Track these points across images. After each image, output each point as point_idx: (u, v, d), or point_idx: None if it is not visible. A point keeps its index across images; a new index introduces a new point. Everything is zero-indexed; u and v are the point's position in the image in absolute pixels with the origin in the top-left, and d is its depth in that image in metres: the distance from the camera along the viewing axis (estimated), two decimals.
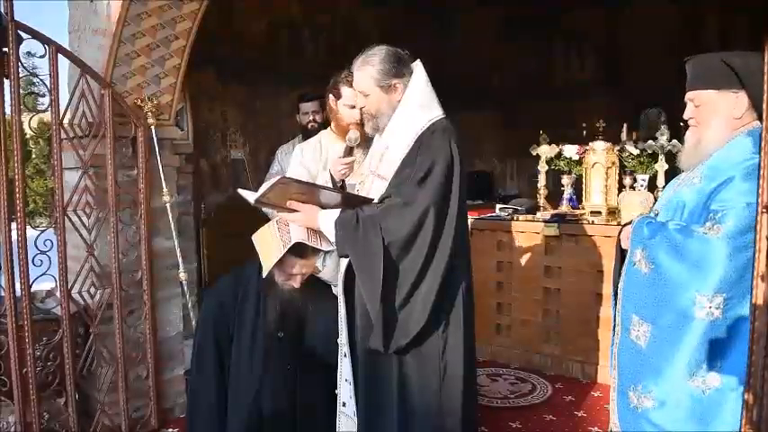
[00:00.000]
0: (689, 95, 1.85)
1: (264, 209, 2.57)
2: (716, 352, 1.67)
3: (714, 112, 1.80)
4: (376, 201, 2.04)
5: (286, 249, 2.13)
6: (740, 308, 1.64)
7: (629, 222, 1.97)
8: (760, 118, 1.73)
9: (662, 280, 1.76)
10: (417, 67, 2.12)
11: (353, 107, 2.45)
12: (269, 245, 2.18)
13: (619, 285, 1.93)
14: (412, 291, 1.96)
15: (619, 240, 1.99)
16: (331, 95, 2.70)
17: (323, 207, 2.05)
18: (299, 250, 2.19)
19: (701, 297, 1.67)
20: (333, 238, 2.01)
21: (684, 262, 1.71)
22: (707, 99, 1.80)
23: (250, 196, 2.05)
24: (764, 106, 1.29)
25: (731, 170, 1.73)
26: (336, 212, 2.01)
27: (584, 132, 4.18)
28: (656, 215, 1.95)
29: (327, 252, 2.36)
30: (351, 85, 2.44)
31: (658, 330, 1.76)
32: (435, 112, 2.09)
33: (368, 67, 2.08)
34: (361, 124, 2.34)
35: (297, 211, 2.05)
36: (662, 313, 1.75)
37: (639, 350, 1.81)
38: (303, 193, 2.04)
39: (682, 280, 1.71)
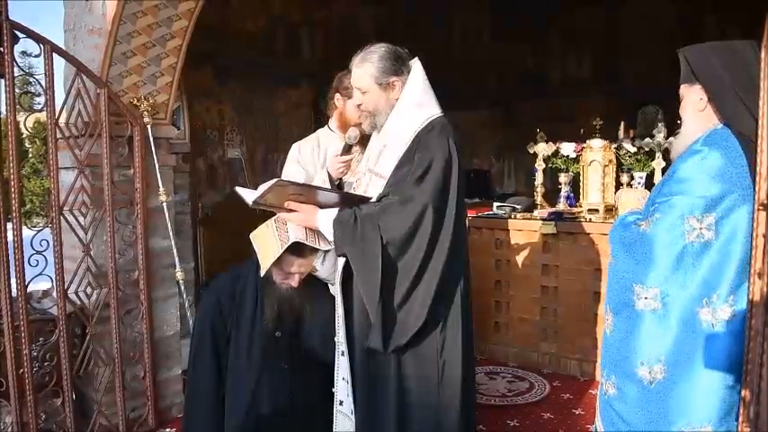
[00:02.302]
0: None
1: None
2: (659, 343, 1.72)
3: (685, 106, 1.83)
4: (374, 199, 2.03)
5: (284, 249, 2.12)
6: (678, 301, 1.68)
7: None
8: (718, 111, 1.75)
9: (616, 272, 1.84)
10: (416, 64, 2.12)
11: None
12: (267, 244, 2.18)
13: None
14: (411, 289, 1.95)
15: None
16: (337, 94, 2.70)
17: (321, 207, 2.05)
18: (297, 249, 2.19)
19: (638, 288, 1.74)
20: (331, 238, 2.01)
21: (627, 254, 1.79)
22: (683, 93, 1.84)
23: (248, 196, 2.05)
24: (761, 103, 1.29)
25: (677, 163, 1.78)
26: (334, 212, 2.01)
27: (582, 130, 4.18)
28: None
29: (325, 251, 2.36)
30: None
31: (616, 320, 1.83)
32: (433, 110, 2.08)
33: (367, 65, 2.08)
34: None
35: (295, 210, 2.05)
36: (618, 304, 1.82)
37: (607, 339, 1.89)
38: (301, 194, 2.04)
39: (626, 271, 1.79)
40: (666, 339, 1.70)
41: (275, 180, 1.98)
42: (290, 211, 2.05)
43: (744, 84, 1.64)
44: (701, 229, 1.65)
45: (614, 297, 1.84)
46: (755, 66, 1.65)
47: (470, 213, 4.20)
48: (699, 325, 1.66)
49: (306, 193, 2.05)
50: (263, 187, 1.97)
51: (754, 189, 1.57)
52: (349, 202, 2.04)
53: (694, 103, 1.79)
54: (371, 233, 1.92)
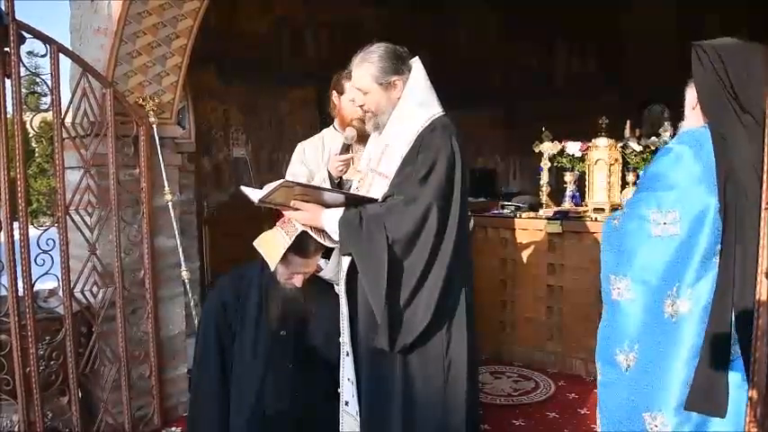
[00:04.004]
0: None
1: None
2: (631, 331, 1.80)
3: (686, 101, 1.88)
4: (379, 200, 2.03)
5: (292, 240, 2.12)
6: (646, 291, 1.76)
7: None
8: (703, 110, 1.77)
9: (601, 263, 1.94)
10: (416, 64, 2.12)
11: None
12: (273, 243, 2.18)
13: None
14: (416, 289, 1.95)
15: None
16: (334, 92, 2.71)
17: (327, 207, 2.05)
18: (301, 249, 2.19)
19: (612, 278, 1.86)
20: (336, 237, 2.01)
21: (606, 247, 1.92)
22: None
23: (253, 195, 2.05)
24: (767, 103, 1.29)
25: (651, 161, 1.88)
26: (340, 211, 2.01)
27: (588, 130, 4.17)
28: None
29: (330, 251, 2.36)
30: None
31: (604, 310, 1.94)
32: (435, 109, 2.08)
33: (367, 65, 2.08)
34: (361, 121, 2.35)
35: (300, 209, 2.05)
36: (604, 294, 1.93)
37: (599, 330, 1.97)
38: (306, 195, 2.05)
39: (604, 263, 1.91)
40: (637, 328, 1.78)
41: (281, 181, 1.98)
42: (296, 209, 2.06)
43: (741, 85, 1.65)
44: (664, 223, 1.71)
45: (603, 288, 1.94)
46: (758, 67, 1.66)
47: (476, 213, 4.20)
48: (662, 316, 1.73)
49: (311, 193, 2.06)
50: (268, 187, 1.97)
51: (719, 188, 1.62)
52: (354, 202, 2.04)
53: (689, 101, 1.84)
54: (377, 233, 1.92)
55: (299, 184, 2.10)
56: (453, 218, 1.97)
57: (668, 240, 1.70)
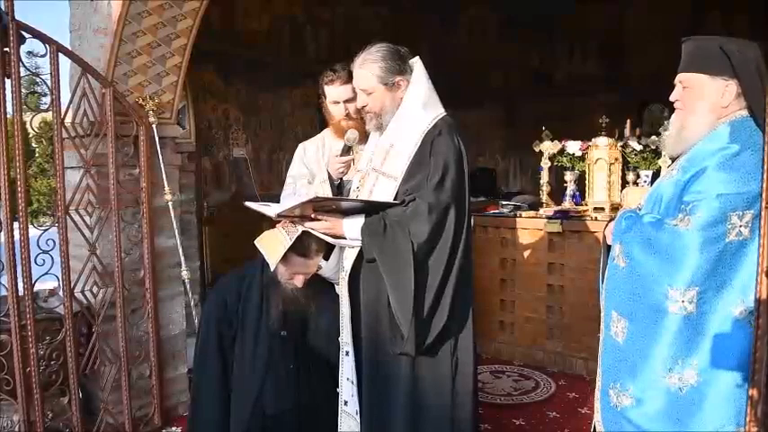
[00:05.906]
0: (679, 77, 1.81)
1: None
2: (692, 348, 1.63)
3: (701, 97, 1.76)
4: (392, 201, 2.02)
5: (293, 240, 2.12)
6: (715, 302, 1.61)
7: (614, 217, 1.94)
8: (750, 109, 1.70)
9: (636, 274, 1.72)
10: (417, 63, 2.12)
11: (338, 102, 2.51)
12: (273, 242, 2.17)
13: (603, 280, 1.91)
14: (440, 291, 1.95)
15: (605, 236, 1.98)
16: (322, 96, 2.72)
17: (346, 214, 2.04)
18: (302, 250, 2.19)
19: (673, 291, 1.64)
20: (357, 245, 2.00)
21: (656, 255, 1.68)
22: (696, 83, 1.76)
23: (268, 210, 2.04)
24: (767, 101, 1.29)
25: (706, 160, 1.70)
26: (361, 219, 2.00)
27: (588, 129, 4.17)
28: (640, 209, 1.92)
29: (331, 250, 2.36)
30: (331, 83, 2.48)
31: (635, 326, 1.72)
32: (438, 109, 2.09)
33: (371, 65, 2.07)
34: (356, 119, 2.38)
35: (318, 219, 2.04)
36: (637, 308, 1.71)
37: (618, 346, 1.78)
38: (327, 205, 2.04)
39: (654, 274, 1.68)
40: (700, 343, 1.62)
41: (313, 196, 1.98)
42: (314, 219, 2.05)
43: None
44: (740, 227, 1.60)
45: (629, 301, 1.74)
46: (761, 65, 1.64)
47: (476, 212, 4.20)
48: (734, 327, 1.59)
49: (333, 203, 2.06)
50: (293, 201, 1.96)
51: (762, 188, 1.55)
52: (374, 209, 2.03)
53: (716, 95, 1.73)
54: (402, 240, 1.91)
55: (326, 198, 2.10)
56: (466, 216, 2.00)
57: (741, 245, 1.60)
